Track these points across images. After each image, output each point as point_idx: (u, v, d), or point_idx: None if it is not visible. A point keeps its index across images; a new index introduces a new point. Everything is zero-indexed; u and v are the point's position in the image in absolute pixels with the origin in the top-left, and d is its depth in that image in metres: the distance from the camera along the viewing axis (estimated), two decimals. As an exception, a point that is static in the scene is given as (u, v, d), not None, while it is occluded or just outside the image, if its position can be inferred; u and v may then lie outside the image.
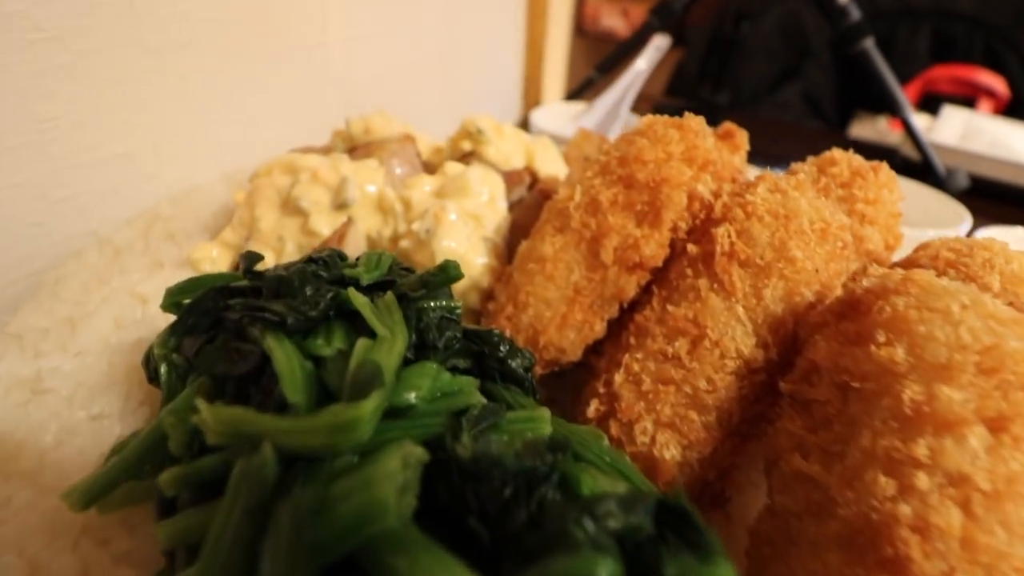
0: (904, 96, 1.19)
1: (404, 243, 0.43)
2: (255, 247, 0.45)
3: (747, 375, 0.31)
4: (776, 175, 0.36)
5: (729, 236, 0.34)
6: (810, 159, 0.48)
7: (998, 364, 0.24)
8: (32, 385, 0.34)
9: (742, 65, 2.18)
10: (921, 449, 0.22)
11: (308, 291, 0.25)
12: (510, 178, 0.50)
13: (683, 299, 0.33)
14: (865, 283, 0.28)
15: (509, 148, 0.51)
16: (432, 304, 0.28)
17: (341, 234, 0.44)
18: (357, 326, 0.25)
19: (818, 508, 0.25)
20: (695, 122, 0.38)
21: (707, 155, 0.37)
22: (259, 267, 0.45)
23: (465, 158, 0.51)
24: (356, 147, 0.53)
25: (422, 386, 0.23)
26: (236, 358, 0.24)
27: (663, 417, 0.30)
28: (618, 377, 0.32)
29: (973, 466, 0.22)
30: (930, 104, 1.80)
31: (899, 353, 0.25)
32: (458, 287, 0.41)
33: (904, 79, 1.82)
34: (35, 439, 0.32)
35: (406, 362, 0.25)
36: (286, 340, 0.23)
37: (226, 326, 0.26)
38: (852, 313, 0.28)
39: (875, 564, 0.22)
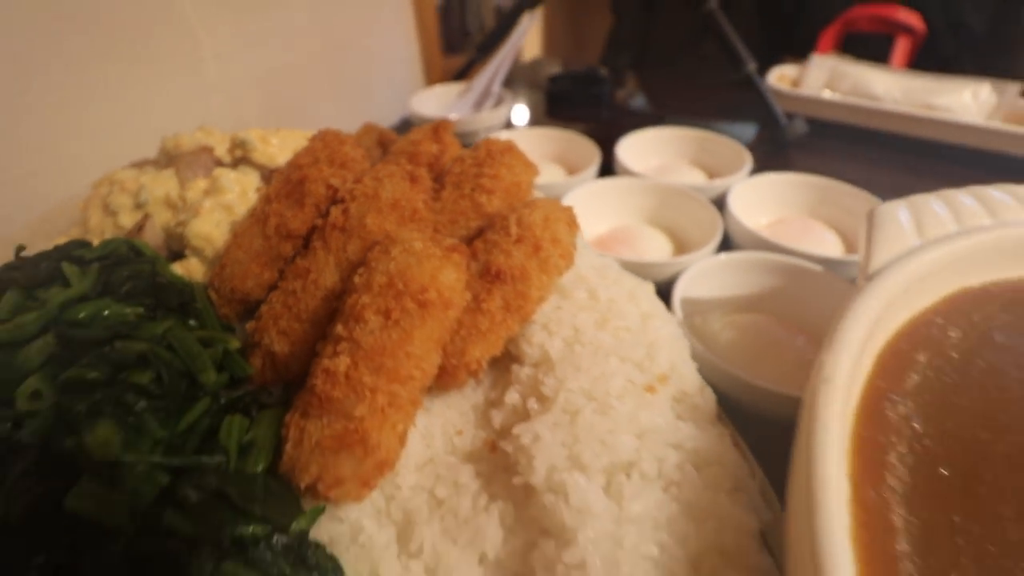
0: (747, 54, 1.33)
1: (180, 229, 0.64)
2: (89, 238, 0.67)
3: (332, 298, 0.52)
4: (379, 171, 0.56)
5: (338, 212, 0.54)
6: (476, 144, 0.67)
7: (396, 280, 0.43)
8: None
9: (664, 20, 2.26)
10: (341, 329, 0.43)
11: (42, 264, 0.47)
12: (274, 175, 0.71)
13: (310, 254, 0.54)
14: (379, 248, 0.49)
15: (274, 151, 0.71)
16: (130, 269, 0.50)
17: (140, 225, 0.66)
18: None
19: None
20: (334, 135, 0.58)
21: (344, 157, 0.57)
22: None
23: (239, 161, 0.71)
24: (170, 159, 0.74)
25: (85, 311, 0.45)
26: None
27: (280, 327, 0.52)
28: (264, 306, 0.54)
29: (369, 336, 0.43)
30: (851, 43, 1.88)
31: (361, 278, 0.45)
32: (208, 256, 0.63)
33: (827, 20, 1.91)
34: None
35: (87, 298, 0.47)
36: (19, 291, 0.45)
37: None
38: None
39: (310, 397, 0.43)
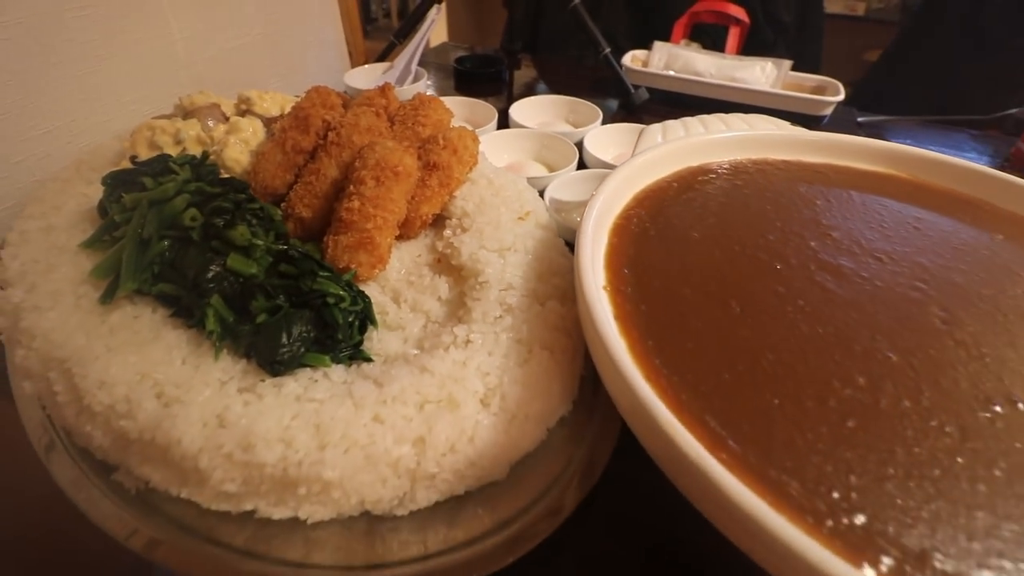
0: (602, 40, 1.79)
1: (212, 158, 0.97)
2: (139, 167, 0.98)
3: (336, 183, 0.89)
4: (356, 110, 0.93)
5: (333, 135, 0.91)
6: (412, 97, 1.06)
7: (380, 161, 0.82)
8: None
9: (550, 12, 2.72)
10: (352, 189, 0.81)
11: (154, 164, 0.81)
12: (270, 121, 1.05)
13: (317, 160, 0.91)
14: (367, 147, 0.86)
15: (268, 105, 1.06)
16: (209, 168, 0.84)
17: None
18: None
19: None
20: (324, 89, 0.94)
21: (332, 102, 0.94)
22: (143, 176, 0.99)
23: (245, 112, 1.05)
24: (187, 112, 1.06)
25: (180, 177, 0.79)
26: (134, 187, 0.80)
27: (304, 202, 0.88)
28: (291, 192, 0.90)
29: (369, 191, 0.81)
30: (699, 32, 2.41)
31: (359, 163, 0.83)
32: (238, 173, 0.97)
33: (679, 14, 2.42)
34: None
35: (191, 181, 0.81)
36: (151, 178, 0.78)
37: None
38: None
39: (339, 224, 0.80)
